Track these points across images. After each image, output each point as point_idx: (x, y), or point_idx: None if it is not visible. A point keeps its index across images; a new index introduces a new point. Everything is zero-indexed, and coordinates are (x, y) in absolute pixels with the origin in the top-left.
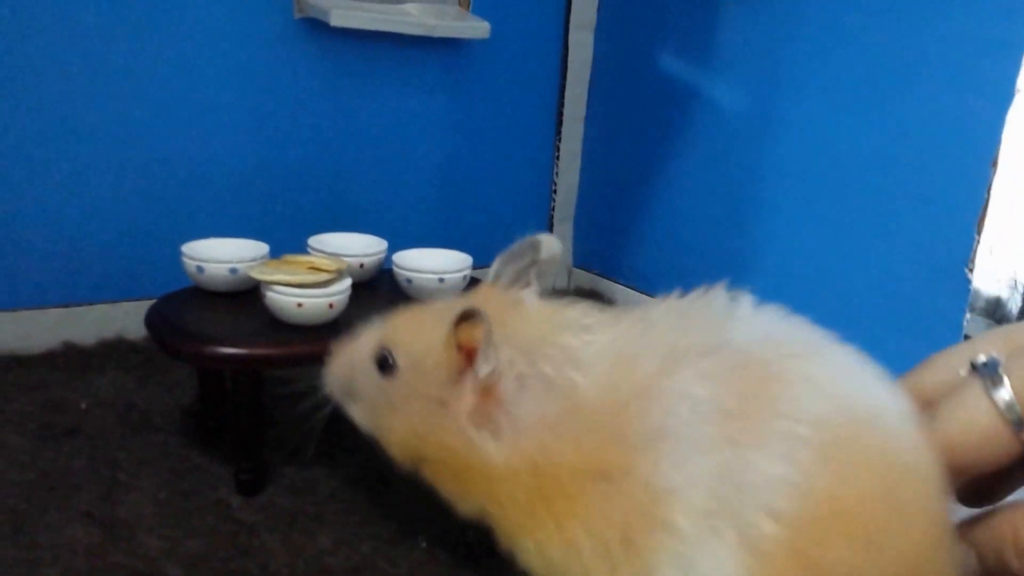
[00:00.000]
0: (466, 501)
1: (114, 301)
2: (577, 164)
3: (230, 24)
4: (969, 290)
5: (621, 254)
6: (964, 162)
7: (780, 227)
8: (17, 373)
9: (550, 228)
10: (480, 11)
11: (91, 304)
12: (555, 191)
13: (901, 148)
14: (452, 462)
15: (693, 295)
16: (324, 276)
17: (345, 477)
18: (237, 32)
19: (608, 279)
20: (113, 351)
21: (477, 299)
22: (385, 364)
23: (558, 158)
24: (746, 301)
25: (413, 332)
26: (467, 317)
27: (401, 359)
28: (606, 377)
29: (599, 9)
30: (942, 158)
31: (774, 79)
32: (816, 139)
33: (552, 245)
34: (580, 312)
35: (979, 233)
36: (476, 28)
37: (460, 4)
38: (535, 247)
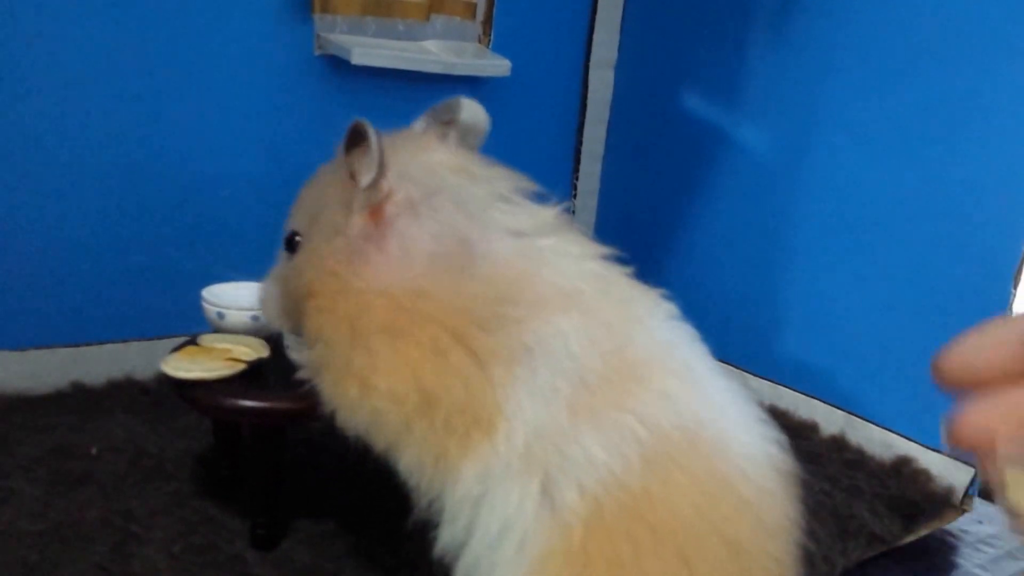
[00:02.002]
0: (333, 333)
1: (124, 341)
2: (595, 203)
3: (250, 61)
4: None
5: None
6: (1001, 212)
7: (807, 276)
8: (25, 415)
9: None
10: (500, 48)
11: (100, 344)
12: None
13: (935, 196)
14: (333, 286)
15: (630, 280)
16: (242, 367)
17: (364, 531)
18: (257, 69)
19: None
20: (123, 392)
21: (388, 136)
22: (291, 242)
23: (575, 196)
24: (663, 307)
25: (311, 193)
26: (356, 134)
27: (302, 223)
28: (509, 260)
29: (620, 47)
30: (977, 208)
31: (801, 122)
32: (846, 186)
33: (473, 109)
34: (506, 182)
35: (1016, 285)
36: (496, 66)
37: (480, 41)
38: (455, 107)
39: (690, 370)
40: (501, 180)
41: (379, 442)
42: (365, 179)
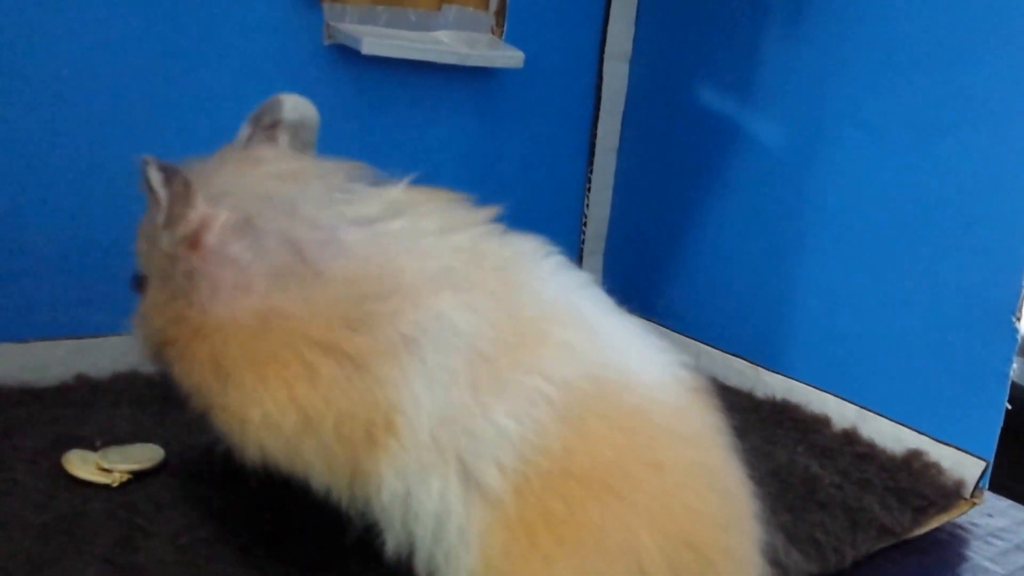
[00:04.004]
0: (200, 379)
1: (130, 333)
2: (609, 196)
3: (258, 50)
4: (1016, 338)
5: (652, 290)
6: (1014, 208)
7: (820, 270)
8: (29, 407)
9: (579, 261)
10: (514, 40)
11: (105, 336)
12: (585, 223)
13: (947, 191)
14: (181, 331)
15: (505, 233)
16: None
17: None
18: (265, 58)
19: (639, 317)
20: (128, 385)
21: (202, 159)
22: (138, 284)
23: (589, 190)
24: (548, 259)
25: (141, 232)
26: (157, 170)
27: (142, 264)
28: (361, 254)
29: (635, 39)
30: (991, 202)
31: (817, 116)
32: (860, 179)
33: (297, 105)
34: (341, 173)
35: None
36: (510, 57)
37: (493, 32)
38: (276, 107)
39: (585, 317)
40: (335, 172)
41: (283, 468)
42: (160, 218)
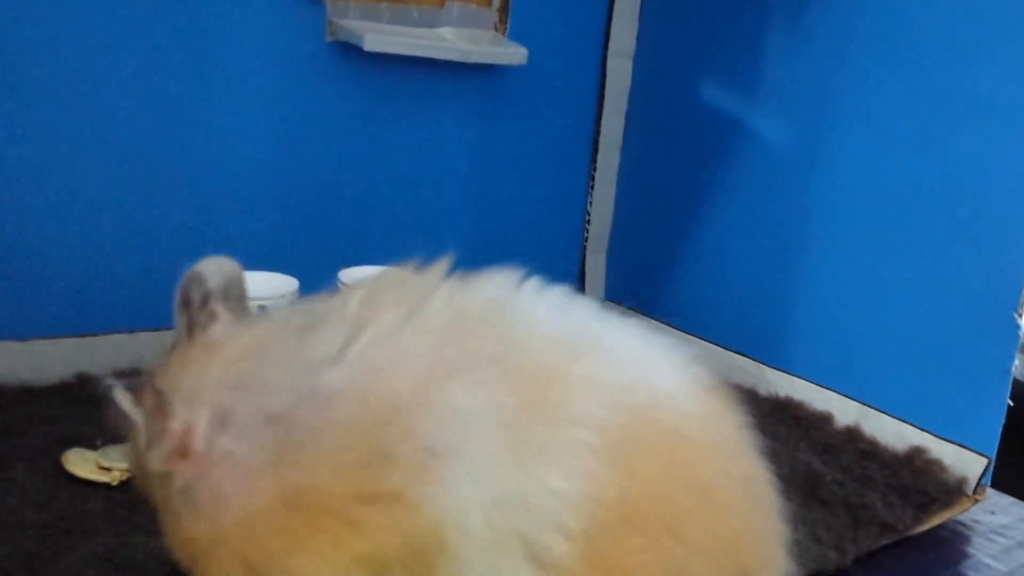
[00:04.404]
0: None
1: (130, 331)
2: (612, 194)
3: (259, 46)
4: (1018, 335)
5: (656, 289)
6: (1015, 206)
7: (823, 265)
8: (29, 405)
9: (583, 260)
10: (517, 36)
11: (106, 334)
12: (588, 221)
13: (950, 189)
14: (198, 550)
15: (472, 281)
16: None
17: None
18: (267, 55)
19: (642, 314)
20: (129, 384)
21: (165, 366)
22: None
23: (593, 188)
24: (527, 290)
25: (132, 463)
26: (124, 394)
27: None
28: (353, 391)
29: (639, 36)
30: (992, 201)
31: (821, 112)
32: (863, 176)
33: (217, 269)
34: (293, 322)
35: None
36: (513, 54)
37: (496, 29)
38: (199, 280)
39: (590, 340)
40: (285, 325)
41: None
42: (142, 440)
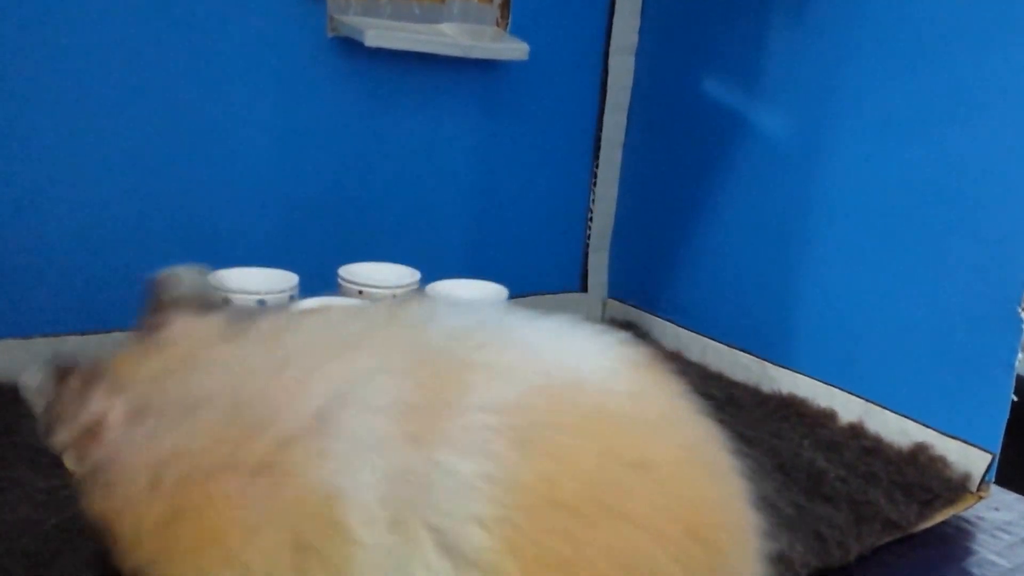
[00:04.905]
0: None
1: (132, 329)
2: (614, 192)
3: (260, 42)
4: (1022, 330)
5: (658, 286)
6: (1019, 200)
7: (826, 261)
8: (24, 404)
9: (585, 257)
10: (518, 32)
11: (107, 332)
12: (591, 219)
13: (953, 183)
14: (118, 529)
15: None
16: None
17: None
18: (268, 50)
19: (644, 311)
20: None
21: (119, 351)
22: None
23: (595, 185)
24: (442, 304)
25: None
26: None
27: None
28: (248, 366)
29: (641, 32)
30: (995, 194)
31: (823, 107)
32: (865, 171)
33: (186, 279)
34: (228, 327)
35: None
36: (514, 49)
37: (498, 24)
38: (172, 283)
39: (499, 332)
40: (226, 323)
41: None
42: (41, 425)
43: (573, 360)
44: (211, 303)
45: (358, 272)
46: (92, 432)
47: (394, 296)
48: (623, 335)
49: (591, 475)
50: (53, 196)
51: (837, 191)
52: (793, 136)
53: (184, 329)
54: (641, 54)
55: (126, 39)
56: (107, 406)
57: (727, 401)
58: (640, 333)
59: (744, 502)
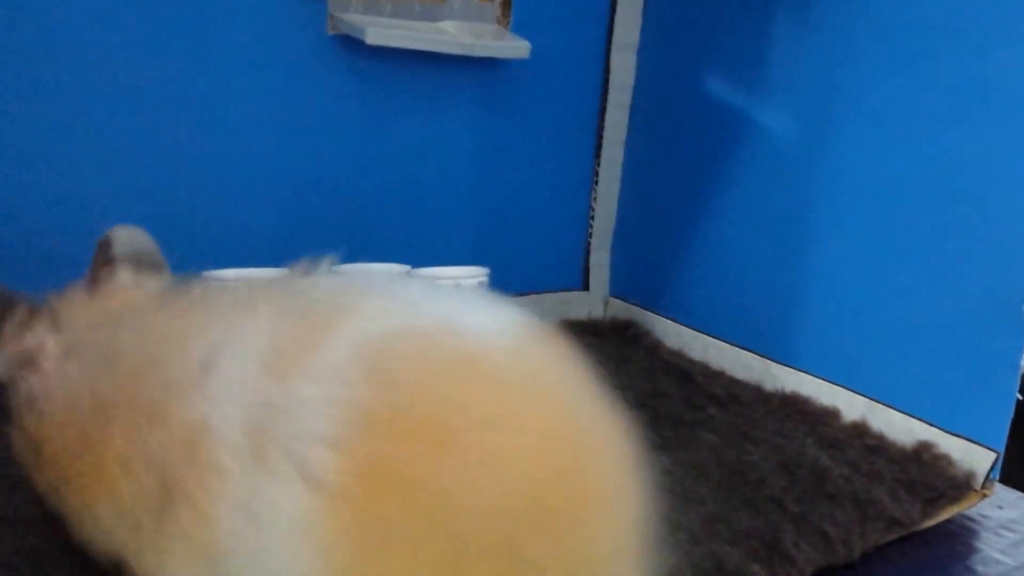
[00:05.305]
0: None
1: None
2: (616, 190)
3: (260, 40)
4: None
5: (660, 284)
6: (1023, 196)
7: (829, 259)
8: None
9: (586, 255)
10: (520, 30)
11: None
12: (592, 217)
13: (957, 181)
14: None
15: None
16: None
17: None
18: (267, 49)
19: (646, 310)
20: None
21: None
22: None
23: (596, 183)
24: (350, 274)
25: None
26: None
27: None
28: (163, 330)
29: (643, 30)
30: (1000, 192)
31: (826, 105)
32: (869, 169)
33: (128, 238)
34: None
35: None
36: (516, 47)
37: (499, 22)
38: (109, 243)
39: (377, 285)
40: (161, 290)
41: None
42: None
43: (454, 311)
44: (150, 261)
45: (361, 271)
46: (29, 361)
47: None
48: (526, 311)
49: (431, 415)
50: (51, 196)
51: (840, 189)
52: (796, 134)
53: (123, 288)
54: (643, 52)
55: (126, 38)
56: (45, 341)
57: (729, 400)
58: (642, 331)
59: (618, 482)
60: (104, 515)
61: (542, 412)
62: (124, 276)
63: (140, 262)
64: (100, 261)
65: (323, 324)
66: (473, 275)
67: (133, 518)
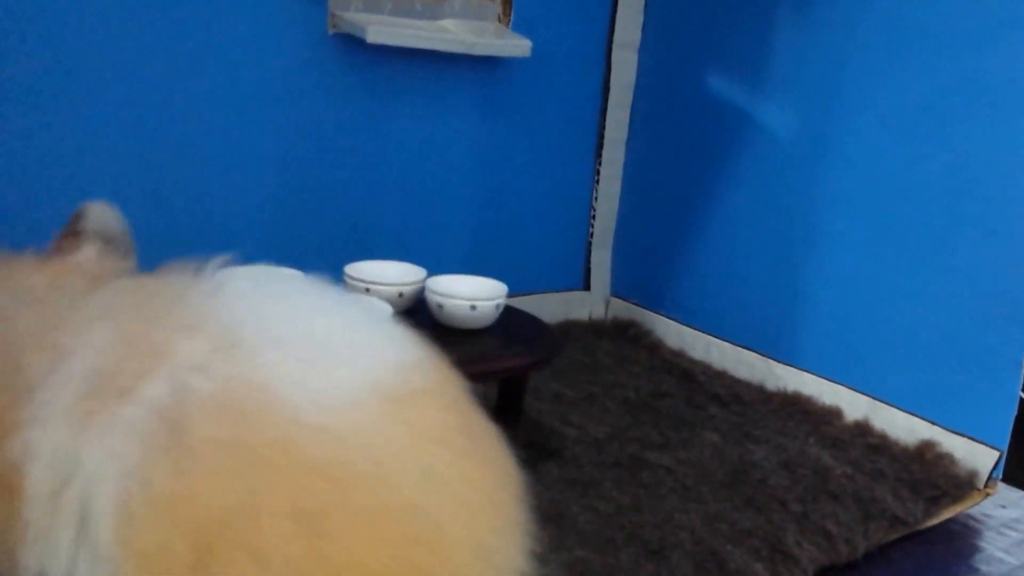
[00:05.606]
0: None
1: None
2: (617, 189)
3: (262, 39)
4: None
5: (662, 284)
6: None
7: (831, 258)
8: None
9: (588, 254)
10: (521, 28)
11: None
12: (594, 216)
13: (960, 180)
14: None
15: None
16: None
17: None
18: (269, 48)
19: (647, 310)
20: None
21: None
22: None
23: (598, 182)
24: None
25: None
26: None
27: None
28: (12, 329)
29: (644, 28)
30: (1003, 191)
31: (828, 103)
32: (872, 167)
33: (98, 215)
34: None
35: None
36: (517, 46)
37: (500, 21)
38: (79, 217)
39: (239, 316)
40: (74, 274)
41: None
42: None
43: (290, 370)
44: (116, 241)
45: (365, 270)
46: None
47: (400, 296)
48: (417, 348)
49: (231, 506)
50: (51, 195)
51: (842, 188)
52: (798, 133)
53: (75, 261)
54: (644, 50)
55: (127, 37)
56: None
57: (731, 399)
58: (643, 331)
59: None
60: None
61: (371, 522)
62: (87, 250)
63: (107, 240)
64: (68, 232)
65: (133, 371)
66: (492, 295)
67: None
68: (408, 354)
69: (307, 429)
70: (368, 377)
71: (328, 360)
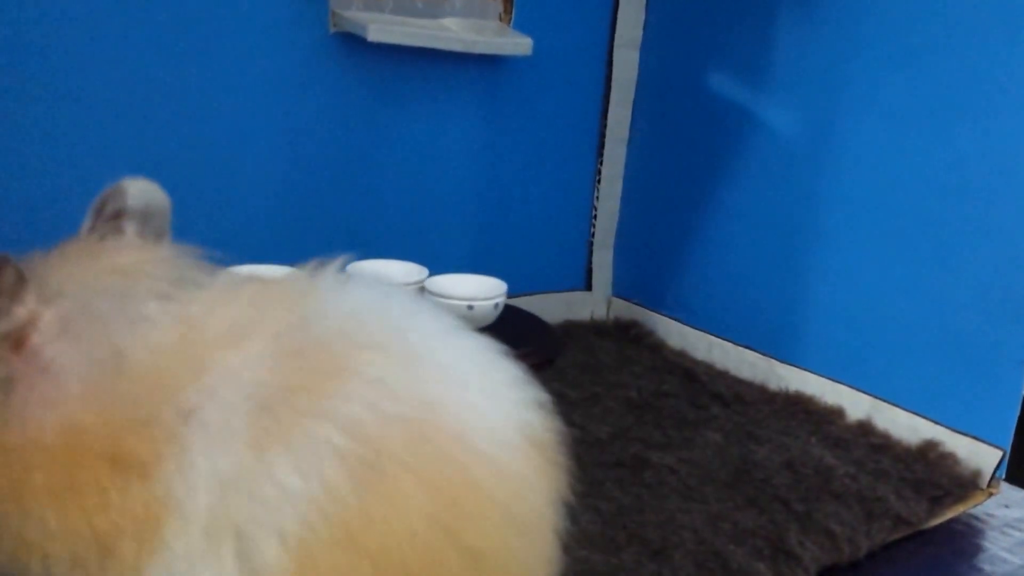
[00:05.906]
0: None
1: None
2: (619, 188)
3: (262, 38)
4: None
5: (663, 284)
6: None
7: (834, 257)
8: None
9: (589, 254)
10: (522, 26)
11: None
12: (595, 216)
13: (963, 179)
14: None
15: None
16: None
17: None
18: (270, 46)
19: (649, 310)
20: None
21: (39, 254)
22: None
23: (599, 182)
24: (332, 272)
25: None
26: None
27: None
28: (159, 344)
29: (645, 27)
30: (1006, 189)
31: (831, 102)
32: (874, 167)
33: (142, 191)
34: (170, 271)
35: None
36: (518, 44)
37: (501, 19)
38: (119, 195)
39: (394, 334)
40: (167, 264)
41: None
42: None
43: (470, 401)
44: (158, 223)
45: (368, 269)
46: (18, 338)
47: None
48: (538, 395)
49: (413, 536)
50: (52, 194)
51: (845, 187)
52: (801, 132)
53: (130, 247)
54: (646, 49)
55: (129, 37)
56: (37, 312)
57: (734, 399)
58: (645, 331)
59: None
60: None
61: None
62: (131, 233)
63: (148, 222)
64: (107, 213)
65: (320, 378)
66: (490, 294)
67: (77, 560)
68: (527, 392)
69: (494, 473)
70: (516, 416)
71: (480, 393)
